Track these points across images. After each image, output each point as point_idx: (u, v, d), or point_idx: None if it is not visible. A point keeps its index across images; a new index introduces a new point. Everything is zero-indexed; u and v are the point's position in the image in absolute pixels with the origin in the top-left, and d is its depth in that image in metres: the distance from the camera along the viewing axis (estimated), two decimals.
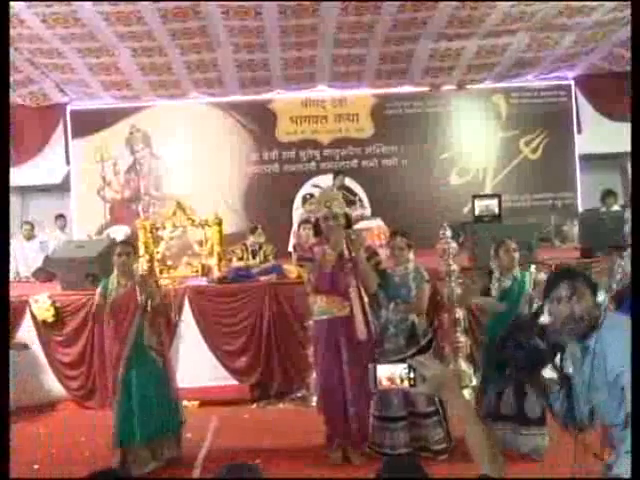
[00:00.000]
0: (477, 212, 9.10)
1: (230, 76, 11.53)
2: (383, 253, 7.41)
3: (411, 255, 6.18)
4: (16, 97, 11.85)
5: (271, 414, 7.83)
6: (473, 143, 13.16)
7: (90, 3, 8.54)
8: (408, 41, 10.56)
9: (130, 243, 6.79)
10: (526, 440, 5.92)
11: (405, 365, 2.46)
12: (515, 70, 12.21)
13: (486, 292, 6.27)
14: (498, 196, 9.39)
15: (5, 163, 4.66)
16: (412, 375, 2.45)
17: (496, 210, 9.02)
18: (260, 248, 9.09)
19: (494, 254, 6.21)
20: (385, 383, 2.49)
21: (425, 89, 12.87)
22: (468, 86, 12.84)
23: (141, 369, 6.12)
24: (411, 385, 2.47)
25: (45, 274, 9.97)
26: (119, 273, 6.24)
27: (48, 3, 8.49)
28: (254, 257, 9.03)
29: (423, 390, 2.47)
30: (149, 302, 6.14)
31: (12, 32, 9.23)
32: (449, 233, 7.74)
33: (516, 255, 6.12)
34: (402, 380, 2.47)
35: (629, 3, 4.69)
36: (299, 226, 9.04)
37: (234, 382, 8.35)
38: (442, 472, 5.44)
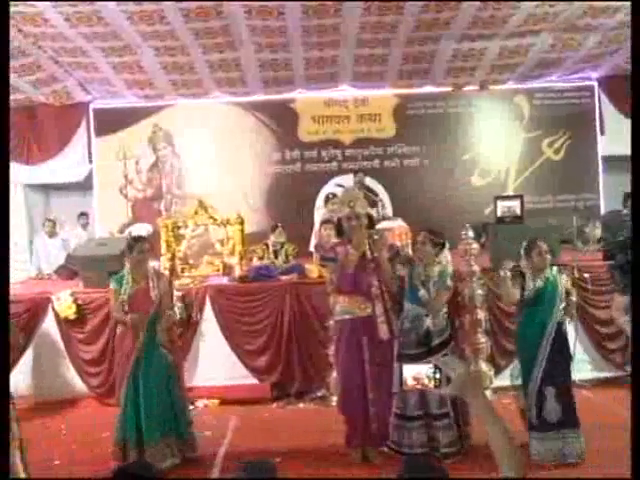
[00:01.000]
0: (499, 213, 9.06)
1: (252, 75, 11.54)
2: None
3: (441, 257, 6.15)
4: (39, 95, 11.94)
5: (291, 413, 7.85)
6: (495, 144, 13.10)
7: (114, 2, 8.58)
8: (431, 41, 10.53)
9: (145, 239, 6.68)
10: (574, 443, 5.90)
11: (431, 365, 2.46)
12: (538, 71, 12.15)
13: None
14: (520, 197, 9.34)
15: (5, 163, 4.70)
16: (438, 376, 2.45)
17: (518, 211, 8.98)
18: (282, 247, 9.10)
19: (525, 255, 6.10)
20: (411, 383, 2.49)
21: (447, 89, 12.83)
22: (491, 87, 12.77)
23: (151, 366, 6.14)
24: (436, 386, 2.47)
25: (67, 271, 10.03)
26: (134, 270, 6.23)
27: (72, 2, 8.55)
28: (276, 257, 9.05)
29: (447, 391, 2.46)
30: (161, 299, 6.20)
31: (36, 30, 9.32)
32: (471, 234, 7.73)
33: (548, 257, 6.04)
34: (428, 380, 2.46)
35: None
36: (321, 226, 9.05)
37: (254, 381, 8.37)
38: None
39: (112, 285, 6.29)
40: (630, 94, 4.06)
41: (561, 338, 5.98)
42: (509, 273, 6.10)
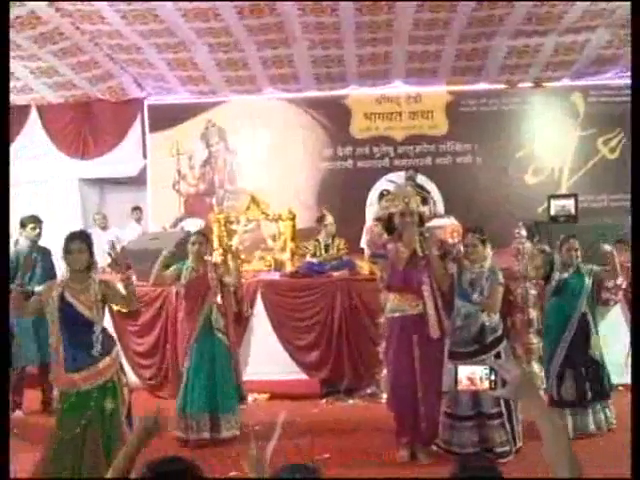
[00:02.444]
0: (553, 212, 8.96)
1: (305, 72, 11.57)
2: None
3: (488, 251, 6.14)
4: (96, 92, 12.11)
5: (340, 410, 7.86)
6: (549, 142, 12.91)
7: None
8: (484, 38, 10.45)
9: (203, 233, 7.50)
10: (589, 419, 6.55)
11: (486, 366, 2.44)
12: (594, 68, 11.96)
13: (546, 279, 6.79)
14: (575, 196, 9.23)
15: (5, 162, 4.78)
16: (493, 377, 2.43)
17: (572, 210, 8.87)
18: (333, 241, 9.09)
19: (558, 249, 6.69)
20: (465, 383, 2.48)
21: (501, 86, 12.70)
22: (545, 84, 12.62)
23: (207, 346, 6.80)
24: (491, 388, 2.45)
25: (123, 265, 10.12)
26: (193, 260, 6.90)
27: (128, 1, 8.67)
28: (327, 251, 9.05)
29: (502, 393, 2.45)
30: (219, 286, 6.92)
31: (93, 28, 9.48)
32: (524, 232, 7.66)
33: (575, 254, 6.62)
34: (482, 381, 2.45)
35: None
36: (373, 222, 9.03)
37: (304, 376, 8.40)
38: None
39: (173, 268, 7.00)
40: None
41: (584, 327, 6.59)
42: (536, 250, 7.04)
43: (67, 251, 5.21)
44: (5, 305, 4.63)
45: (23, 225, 8.02)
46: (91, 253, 5.36)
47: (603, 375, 6.68)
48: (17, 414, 7.79)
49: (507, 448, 5.96)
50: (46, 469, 4.96)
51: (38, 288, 7.26)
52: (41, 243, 8.17)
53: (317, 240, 9.18)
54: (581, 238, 6.85)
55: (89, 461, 4.94)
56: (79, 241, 5.27)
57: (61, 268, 8.33)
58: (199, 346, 6.80)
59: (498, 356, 5.95)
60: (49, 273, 7.98)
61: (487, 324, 6.01)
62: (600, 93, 12.82)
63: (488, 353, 5.89)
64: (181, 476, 2.50)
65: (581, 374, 6.56)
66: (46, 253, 8.13)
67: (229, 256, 8.23)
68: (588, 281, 6.63)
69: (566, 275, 6.63)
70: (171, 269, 6.98)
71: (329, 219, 9.23)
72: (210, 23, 9.40)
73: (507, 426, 5.97)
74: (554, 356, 6.65)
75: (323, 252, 9.02)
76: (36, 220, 8.02)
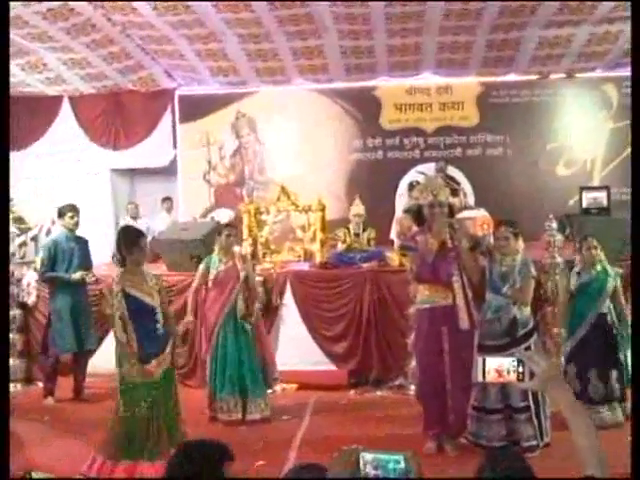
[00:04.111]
0: (585, 204, 8.89)
1: (335, 63, 11.54)
2: None
3: (520, 244, 6.10)
4: (127, 82, 12.18)
5: (368, 401, 7.86)
6: (581, 133, 12.76)
7: None
8: (516, 28, 10.35)
9: (234, 226, 7.76)
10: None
11: (514, 358, 2.44)
12: (628, 58, 11.81)
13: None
14: (607, 188, 9.13)
15: (5, 158, 4.83)
16: (521, 369, 2.43)
17: (605, 202, 8.79)
18: (364, 230, 9.11)
19: (578, 249, 6.74)
20: (493, 375, 2.47)
21: (533, 77, 12.59)
22: (577, 75, 12.49)
23: (233, 333, 7.07)
24: (519, 379, 2.44)
25: (151, 254, 10.20)
26: (222, 252, 7.14)
27: None
28: (357, 237, 9.07)
29: (531, 385, 2.44)
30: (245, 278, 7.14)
31: (124, 19, 9.53)
32: (555, 225, 7.60)
33: (595, 252, 6.59)
34: (510, 373, 2.44)
35: None
36: (403, 214, 9.03)
37: (332, 367, 8.42)
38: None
39: (202, 266, 7.24)
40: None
41: (602, 328, 6.60)
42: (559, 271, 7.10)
43: (139, 247, 5.53)
44: (5, 304, 4.71)
45: (61, 215, 8.00)
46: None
47: (626, 378, 6.62)
48: (48, 401, 7.88)
49: (534, 443, 5.92)
50: (116, 444, 5.34)
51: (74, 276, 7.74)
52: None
53: (347, 227, 9.21)
54: (613, 231, 6.79)
55: (154, 436, 5.33)
56: (144, 237, 5.69)
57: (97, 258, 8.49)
58: (224, 333, 7.06)
59: (528, 349, 5.91)
60: (86, 262, 8.02)
61: (518, 317, 5.98)
62: None
63: (518, 346, 5.85)
64: (212, 458, 2.52)
65: (586, 373, 6.58)
66: (83, 242, 8.13)
67: (257, 253, 8.37)
68: (612, 282, 6.64)
69: (587, 278, 6.66)
70: (202, 265, 7.24)
71: (354, 209, 9.29)
72: (240, 14, 9.41)
73: (534, 421, 5.93)
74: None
75: (353, 239, 9.04)
76: (74, 209, 7.99)
